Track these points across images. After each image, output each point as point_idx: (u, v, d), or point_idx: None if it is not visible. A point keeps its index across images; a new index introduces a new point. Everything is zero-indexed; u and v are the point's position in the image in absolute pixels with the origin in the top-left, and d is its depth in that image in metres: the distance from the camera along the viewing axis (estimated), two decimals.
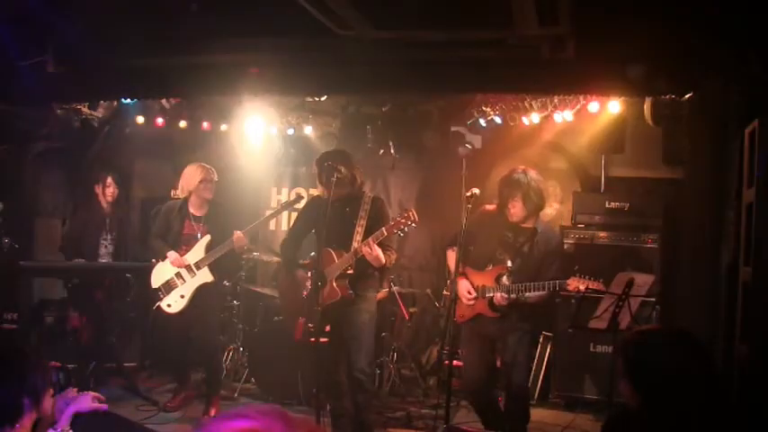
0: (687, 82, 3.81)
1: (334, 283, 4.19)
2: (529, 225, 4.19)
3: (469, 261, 4.26)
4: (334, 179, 4.08)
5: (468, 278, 4.21)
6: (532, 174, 4.18)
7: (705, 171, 3.85)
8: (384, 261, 4.13)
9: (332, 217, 4.13)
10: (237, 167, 7.11)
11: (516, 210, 4.13)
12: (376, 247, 4.07)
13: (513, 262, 4.15)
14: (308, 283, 4.36)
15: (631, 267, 4.95)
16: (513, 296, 4.01)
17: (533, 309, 4.21)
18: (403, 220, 4.04)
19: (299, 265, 4.50)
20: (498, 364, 4.39)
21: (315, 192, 6.92)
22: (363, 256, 4.10)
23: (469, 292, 4.15)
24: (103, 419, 2.44)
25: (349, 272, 4.19)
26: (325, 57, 4.14)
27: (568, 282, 3.96)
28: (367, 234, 4.17)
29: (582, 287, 3.94)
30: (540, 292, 4.01)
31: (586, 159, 6.44)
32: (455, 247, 4.10)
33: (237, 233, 4.93)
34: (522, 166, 4.28)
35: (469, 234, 4.07)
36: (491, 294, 4.09)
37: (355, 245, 4.16)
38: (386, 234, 4.07)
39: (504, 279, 4.14)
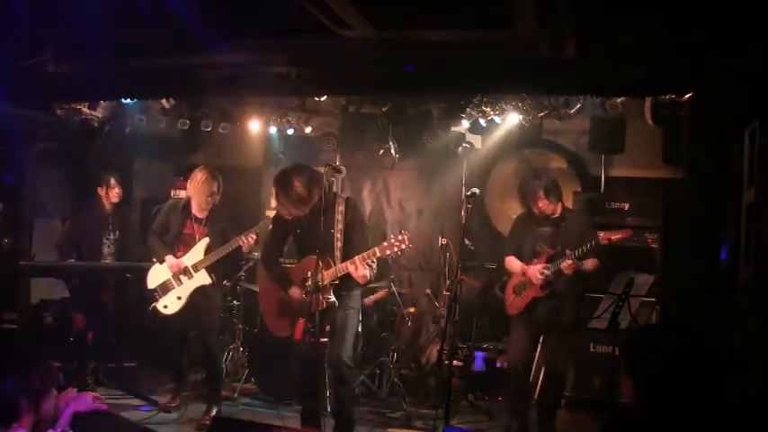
0: (687, 82, 3.81)
1: (320, 294, 4.07)
2: (556, 215, 4.71)
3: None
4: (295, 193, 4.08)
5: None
6: (544, 171, 4.95)
7: (705, 171, 3.85)
8: (369, 280, 4.10)
9: (308, 228, 4.14)
10: (237, 167, 7.11)
11: (543, 204, 4.64)
12: (362, 266, 3.99)
13: (554, 248, 4.62)
14: (292, 289, 4.30)
15: (631, 267, 4.95)
16: (572, 262, 4.45)
17: (579, 298, 4.69)
18: (397, 243, 3.99)
19: (285, 274, 4.40)
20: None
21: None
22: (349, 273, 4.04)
23: (544, 270, 4.58)
24: (103, 419, 2.45)
25: (335, 282, 4.14)
26: (325, 57, 4.14)
27: (600, 236, 4.43)
28: (346, 241, 4.14)
29: (613, 237, 4.43)
30: (593, 263, 4.54)
31: (586, 159, 6.45)
32: (511, 254, 4.82)
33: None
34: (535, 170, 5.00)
35: (512, 242, 4.89)
36: (548, 273, 4.56)
37: (337, 253, 4.12)
38: (378, 254, 4.01)
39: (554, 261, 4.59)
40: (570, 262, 4.46)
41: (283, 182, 4.12)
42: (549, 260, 4.61)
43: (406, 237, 4.00)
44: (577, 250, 4.48)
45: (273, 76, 4.29)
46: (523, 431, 4.69)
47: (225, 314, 6.20)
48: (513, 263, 4.82)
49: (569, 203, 6.01)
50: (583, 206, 5.83)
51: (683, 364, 2.01)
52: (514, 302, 4.77)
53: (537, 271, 4.60)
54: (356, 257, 4.01)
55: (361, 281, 4.07)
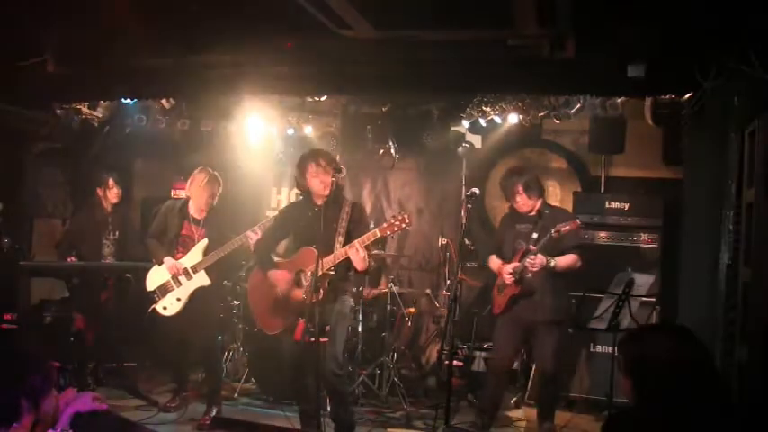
0: (687, 82, 3.81)
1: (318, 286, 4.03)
2: (534, 212, 4.66)
3: (501, 258, 4.78)
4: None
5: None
6: (525, 169, 4.87)
7: (705, 171, 3.86)
8: (367, 265, 4.06)
9: (312, 219, 4.10)
10: (237, 167, 7.11)
11: (522, 200, 4.62)
12: (363, 250, 3.98)
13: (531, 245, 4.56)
14: (284, 283, 4.25)
15: (631, 267, 4.95)
16: (535, 258, 4.37)
17: (561, 294, 4.60)
18: (397, 223, 3.96)
19: (274, 264, 4.38)
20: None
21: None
22: (348, 257, 4.01)
23: (512, 270, 4.55)
24: (103, 419, 2.44)
25: (331, 272, 4.10)
26: (325, 57, 4.14)
27: (554, 230, 4.39)
28: (348, 237, 4.12)
29: (563, 230, 4.36)
30: (567, 259, 4.48)
31: (586, 159, 6.45)
32: (493, 253, 4.80)
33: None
34: (515, 166, 4.98)
35: (495, 241, 4.91)
36: (515, 271, 4.53)
37: (338, 246, 4.09)
38: (379, 235, 4.00)
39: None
40: (533, 258, 4.38)
41: (312, 153, 4.26)
42: (523, 257, 4.54)
43: (405, 215, 3.98)
44: (537, 245, 4.41)
45: (273, 76, 4.30)
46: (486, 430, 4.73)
47: (225, 314, 6.19)
48: (492, 262, 4.81)
49: (569, 203, 6.04)
50: (576, 205, 5.83)
51: (681, 364, 2.01)
52: (497, 301, 4.75)
53: (505, 271, 4.58)
54: (355, 241, 3.99)
55: (360, 265, 4.01)
